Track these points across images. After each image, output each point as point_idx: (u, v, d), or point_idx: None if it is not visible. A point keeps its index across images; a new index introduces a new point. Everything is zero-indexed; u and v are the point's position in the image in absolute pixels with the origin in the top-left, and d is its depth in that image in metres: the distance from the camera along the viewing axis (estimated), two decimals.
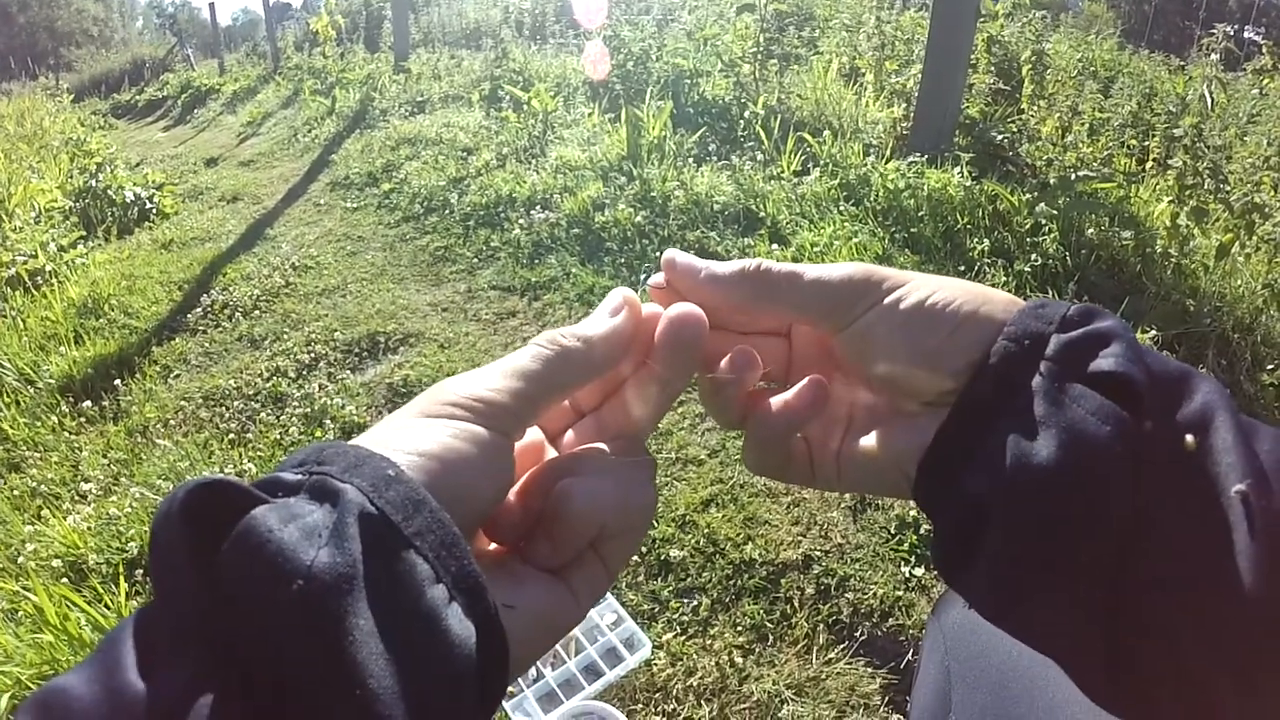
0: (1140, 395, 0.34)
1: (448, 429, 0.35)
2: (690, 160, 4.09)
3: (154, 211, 5.26)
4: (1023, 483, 0.34)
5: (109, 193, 5.29)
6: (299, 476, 0.31)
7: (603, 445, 0.43)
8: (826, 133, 3.98)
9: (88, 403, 2.88)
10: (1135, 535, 0.33)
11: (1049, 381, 0.35)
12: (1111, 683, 0.34)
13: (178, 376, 3.03)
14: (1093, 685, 0.35)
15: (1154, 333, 2.59)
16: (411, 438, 0.34)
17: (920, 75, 3.77)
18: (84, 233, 4.91)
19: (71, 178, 5.78)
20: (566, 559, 0.38)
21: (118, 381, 2.98)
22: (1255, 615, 0.31)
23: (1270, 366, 2.57)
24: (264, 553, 0.27)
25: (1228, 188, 3.13)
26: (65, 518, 2.20)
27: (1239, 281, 2.88)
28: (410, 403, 0.37)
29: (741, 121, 4.41)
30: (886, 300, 0.40)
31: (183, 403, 2.80)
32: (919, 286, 0.40)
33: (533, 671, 1.63)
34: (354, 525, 0.29)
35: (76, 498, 2.40)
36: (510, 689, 1.61)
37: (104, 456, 2.58)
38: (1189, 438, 0.33)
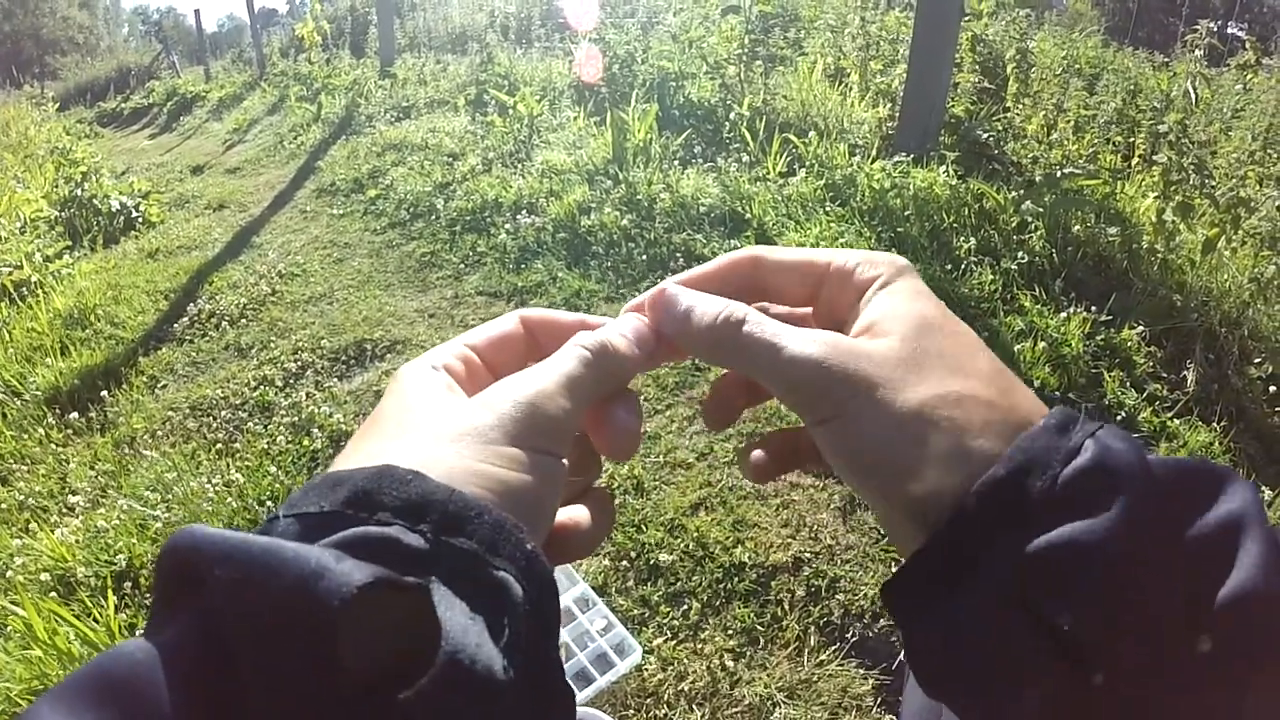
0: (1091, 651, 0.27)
1: (533, 465, 0.32)
2: (676, 163, 4.09)
3: (140, 220, 5.24)
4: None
5: (94, 202, 5.26)
6: (424, 542, 0.27)
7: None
8: (812, 134, 3.98)
9: (75, 414, 2.86)
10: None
11: (984, 603, 0.29)
12: None
13: (164, 387, 3.01)
14: None
15: (1141, 328, 2.60)
16: (501, 476, 0.31)
17: (905, 75, 3.78)
18: (69, 242, 4.89)
19: (57, 187, 5.75)
20: None
21: (104, 392, 2.96)
22: None
23: (1258, 360, 2.58)
24: (471, 690, 0.25)
25: (1213, 183, 3.14)
26: (53, 531, 2.19)
27: (1225, 276, 2.89)
28: (474, 406, 0.34)
29: (727, 123, 4.41)
30: (840, 418, 0.34)
31: (170, 413, 2.79)
32: (884, 399, 0.33)
33: None
34: (524, 636, 0.27)
35: (64, 510, 2.39)
36: None
37: (91, 468, 2.56)
38: (1204, 641, 0.27)
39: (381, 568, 0.24)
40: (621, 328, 0.40)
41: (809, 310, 0.42)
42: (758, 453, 0.42)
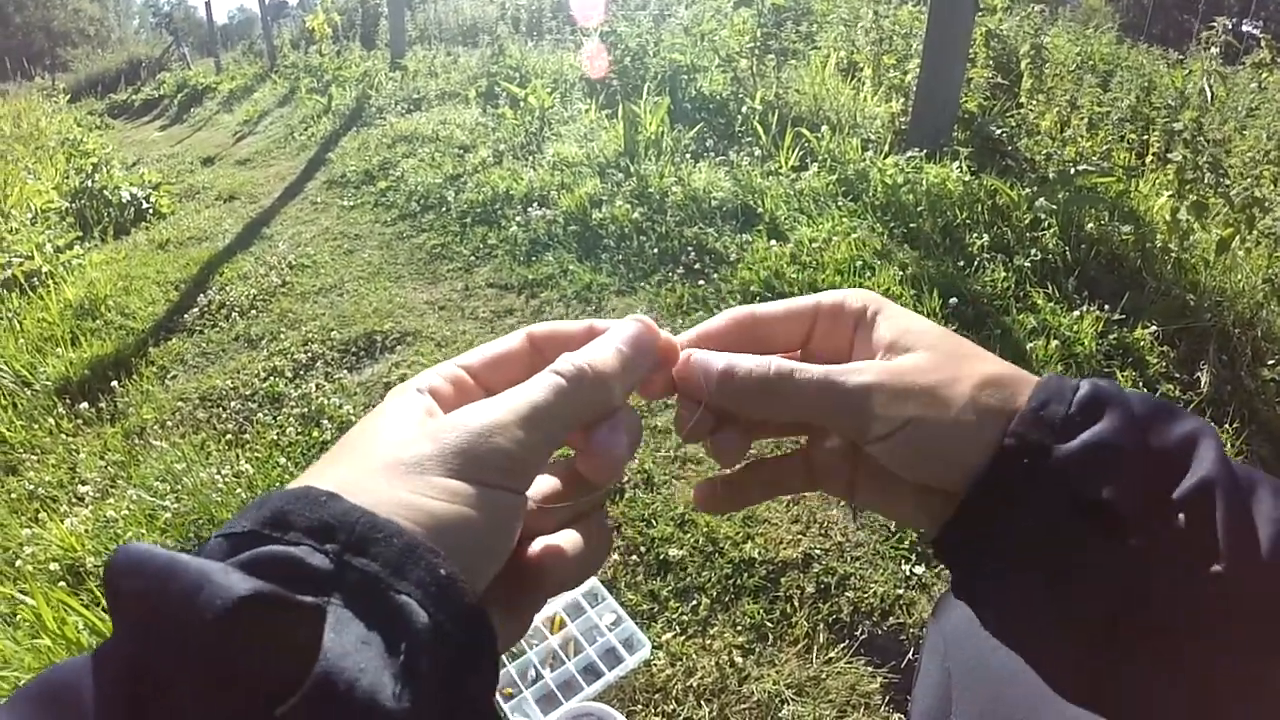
0: (1125, 520, 0.36)
1: (476, 499, 0.32)
2: (688, 156, 4.07)
3: (150, 211, 5.25)
4: (1022, 563, 0.38)
5: (105, 193, 5.27)
6: (328, 562, 0.28)
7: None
8: (824, 128, 3.97)
9: (85, 404, 2.87)
10: (1127, 602, 0.36)
11: (1047, 500, 0.37)
12: (1091, 690, 0.38)
13: (174, 377, 3.02)
14: (1078, 698, 0.39)
15: (1154, 328, 2.59)
16: (449, 508, 0.31)
17: (918, 70, 3.76)
18: (80, 233, 4.90)
19: (68, 178, 5.76)
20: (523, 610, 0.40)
21: (115, 383, 2.97)
22: (1232, 674, 0.36)
23: (1271, 361, 2.56)
24: (346, 713, 0.25)
25: (1228, 182, 3.12)
26: (62, 520, 2.19)
27: (1239, 276, 2.87)
28: (418, 435, 0.34)
29: (739, 117, 4.40)
30: (912, 425, 0.39)
31: (180, 404, 2.79)
32: (941, 400, 0.40)
33: (531, 672, 1.62)
34: (426, 664, 0.27)
35: (74, 500, 2.39)
36: (509, 689, 1.60)
37: (101, 458, 2.56)
38: (1180, 517, 0.36)
39: (266, 583, 0.25)
40: (616, 339, 0.40)
41: (798, 352, 0.47)
42: (706, 486, 0.46)
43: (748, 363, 0.41)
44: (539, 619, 1.72)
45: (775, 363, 0.41)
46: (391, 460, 0.32)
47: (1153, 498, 0.37)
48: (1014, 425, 0.38)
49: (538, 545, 0.39)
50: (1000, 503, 0.38)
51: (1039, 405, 0.38)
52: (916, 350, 0.41)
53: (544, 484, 0.42)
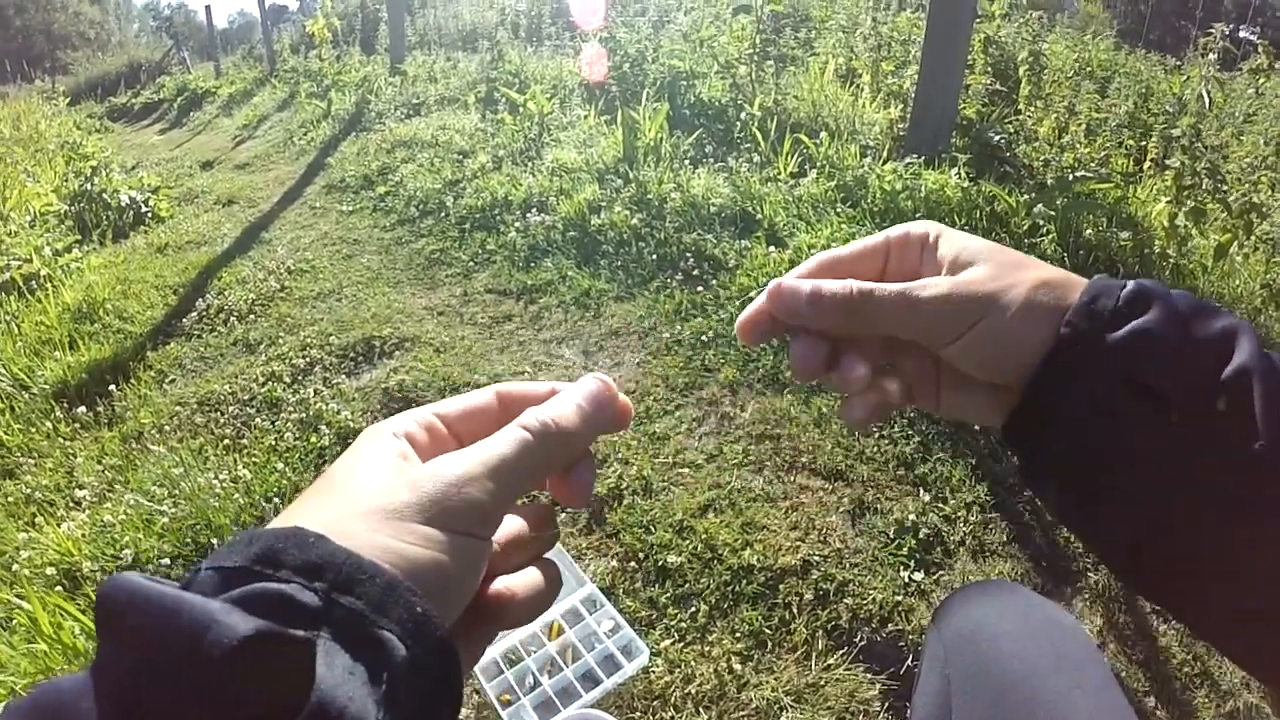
0: (1170, 402, 0.41)
1: (448, 546, 0.35)
2: (687, 162, 4.08)
3: (149, 215, 5.25)
4: (1087, 439, 0.43)
5: (104, 196, 5.27)
6: (316, 599, 0.30)
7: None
8: (823, 134, 3.97)
9: (82, 408, 2.86)
10: (1173, 479, 0.41)
11: (1099, 380, 0.42)
12: (1140, 573, 0.44)
13: (173, 382, 3.01)
14: (1127, 573, 0.45)
15: None
16: (423, 552, 0.34)
17: (917, 76, 3.76)
18: (79, 236, 4.90)
19: (67, 181, 5.76)
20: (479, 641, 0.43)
21: (112, 387, 2.97)
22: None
23: None
24: None
25: (1225, 188, 3.12)
26: (59, 525, 2.19)
27: (1237, 281, 2.88)
28: (397, 482, 0.37)
29: (738, 123, 4.40)
30: (980, 325, 0.45)
31: (178, 408, 2.79)
32: (1002, 303, 0.45)
33: (530, 679, 1.62)
34: (404, 693, 0.30)
35: (71, 505, 2.39)
36: (507, 696, 1.60)
37: (99, 463, 2.56)
38: (1222, 400, 0.40)
39: (267, 622, 0.27)
40: (577, 396, 0.44)
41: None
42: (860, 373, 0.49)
43: (832, 285, 0.48)
44: (537, 626, 1.72)
45: (855, 283, 0.47)
46: (374, 506, 0.35)
47: (1195, 382, 0.41)
48: (1068, 316, 0.44)
49: (499, 584, 0.43)
50: (1059, 384, 0.43)
51: (1090, 299, 0.44)
52: (976, 264, 0.47)
53: (511, 525, 0.47)
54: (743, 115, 4.40)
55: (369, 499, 0.36)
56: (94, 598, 0.29)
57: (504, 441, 0.40)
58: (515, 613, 0.43)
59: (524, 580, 0.44)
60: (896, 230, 0.52)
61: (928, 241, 0.51)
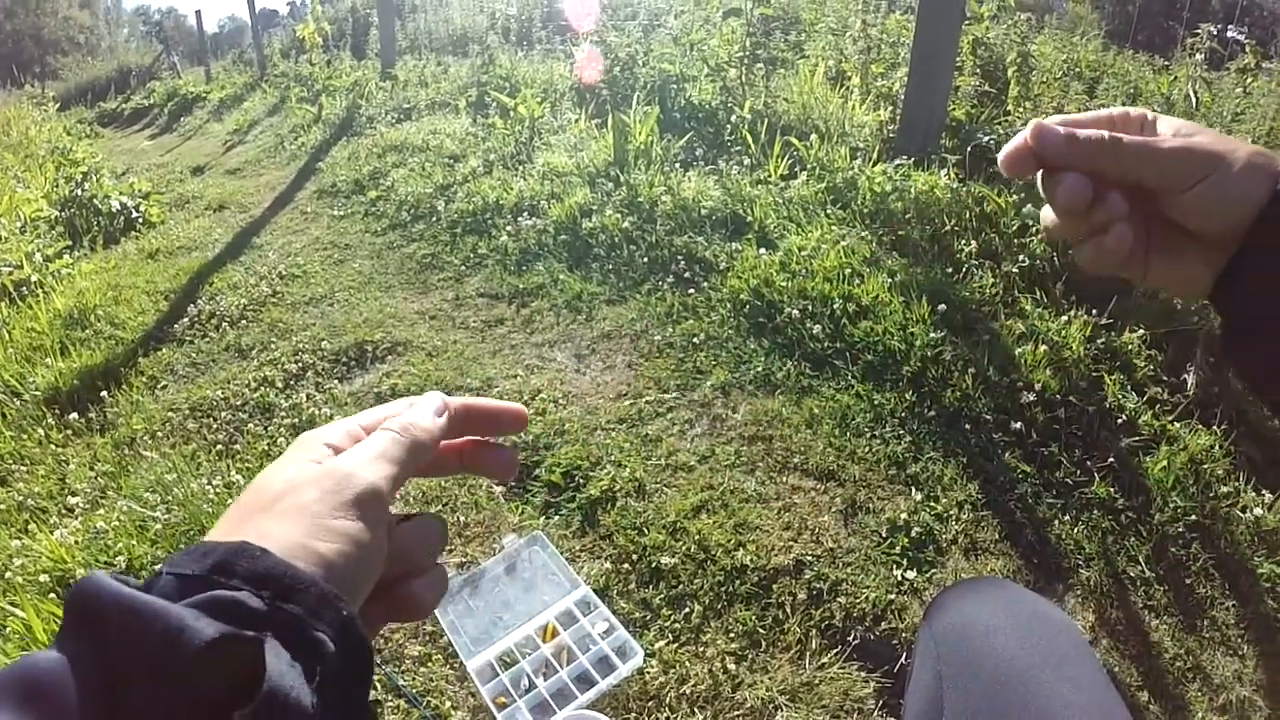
0: None
1: (367, 537, 0.43)
2: (677, 165, 4.08)
3: (140, 221, 5.24)
4: None
5: (95, 202, 5.26)
6: (263, 605, 0.36)
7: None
8: (813, 136, 3.98)
9: (74, 415, 2.86)
10: None
11: None
12: None
13: (165, 387, 3.01)
14: None
15: (1142, 332, 2.60)
16: (333, 548, 0.41)
17: (906, 78, 3.78)
18: (70, 243, 4.89)
19: (57, 187, 5.75)
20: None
21: (104, 393, 2.96)
22: None
23: None
24: (285, 716, 0.33)
25: None
26: (52, 532, 2.19)
27: None
28: (307, 483, 0.44)
29: (728, 126, 4.41)
30: (1210, 178, 0.52)
31: (170, 414, 2.79)
32: (1228, 160, 0.52)
33: (525, 681, 1.63)
34: (333, 680, 0.36)
35: (64, 511, 2.39)
36: (503, 699, 1.60)
37: (91, 469, 2.56)
38: None
39: (227, 625, 0.33)
40: (425, 405, 0.54)
41: None
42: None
43: (1086, 130, 0.54)
44: (533, 628, 1.73)
45: (1106, 131, 0.54)
46: (293, 507, 0.42)
47: None
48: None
49: (412, 586, 0.50)
50: (1275, 233, 0.51)
51: None
52: (1198, 135, 0.54)
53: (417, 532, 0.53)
54: (733, 118, 4.40)
55: (292, 501, 0.43)
56: (69, 593, 0.36)
57: (382, 440, 0.49)
58: (413, 608, 0.50)
59: (432, 579, 0.51)
60: (1117, 109, 0.58)
61: (1146, 119, 0.58)
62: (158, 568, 0.37)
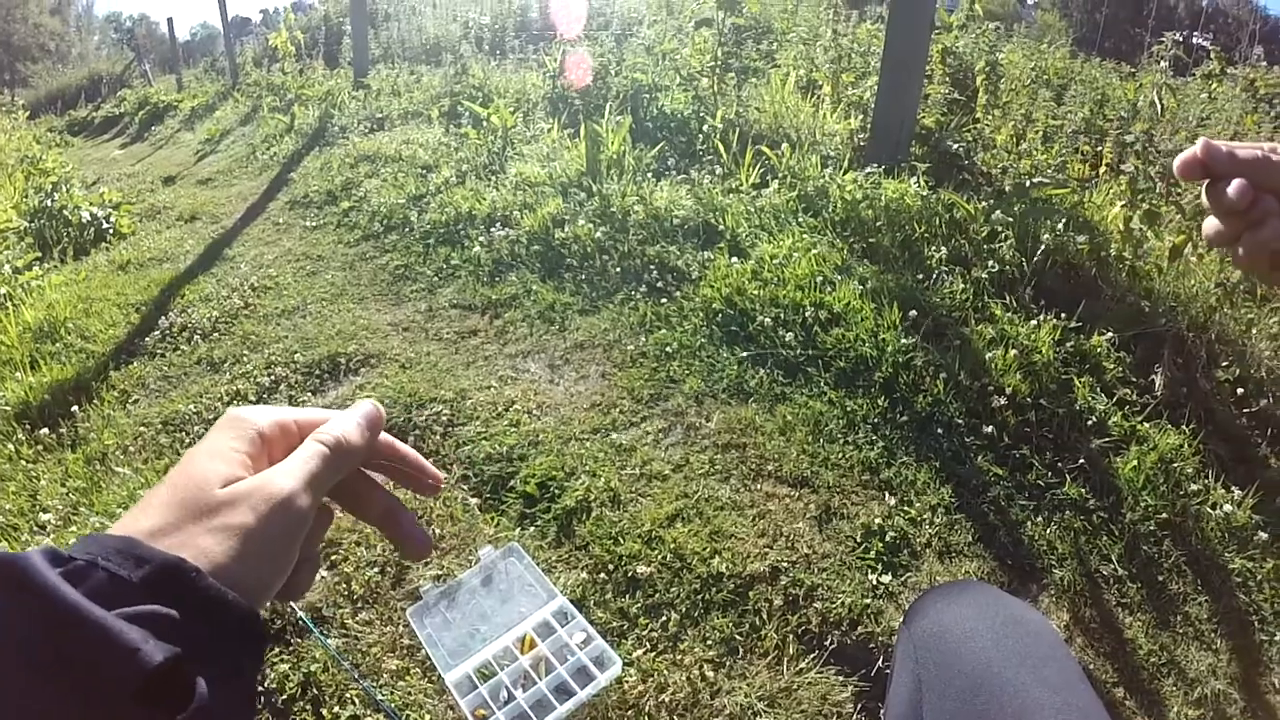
0: None
1: (291, 559, 0.47)
2: (649, 175, 4.10)
3: (111, 232, 5.19)
4: None
5: (65, 213, 5.20)
6: (203, 629, 0.39)
7: None
8: (785, 145, 4.01)
9: (45, 430, 2.83)
10: None
11: None
12: None
13: (136, 402, 2.98)
14: None
15: (1111, 334, 2.64)
16: (263, 573, 0.45)
17: (876, 87, 3.81)
18: (39, 254, 4.84)
19: (27, 197, 5.68)
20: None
21: (75, 408, 2.93)
22: None
23: (1225, 363, 2.62)
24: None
25: (1179, 191, 3.19)
26: (24, 550, 2.16)
27: (1192, 281, 2.94)
28: (233, 499, 0.45)
29: (700, 135, 4.43)
30: None
31: (142, 429, 2.76)
32: None
33: (504, 693, 1.62)
34: (248, 671, 0.42)
35: (35, 528, 2.36)
36: (482, 711, 1.60)
37: (62, 485, 2.53)
38: None
39: (173, 648, 0.36)
40: (356, 416, 0.55)
41: None
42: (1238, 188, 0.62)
43: (1244, 149, 0.63)
44: (510, 640, 1.72)
45: (1269, 145, 0.63)
46: (228, 526, 0.44)
47: None
48: None
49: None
50: None
51: None
52: None
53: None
54: (705, 127, 4.43)
55: (228, 521, 0.44)
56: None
57: (310, 456, 0.50)
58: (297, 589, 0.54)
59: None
60: (1265, 143, 0.65)
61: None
62: (87, 553, 0.38)
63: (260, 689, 1.72)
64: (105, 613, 0.35)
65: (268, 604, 0.50)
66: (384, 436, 0.59)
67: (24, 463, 2.70)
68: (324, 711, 1.67)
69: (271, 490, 0.47)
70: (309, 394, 2.82)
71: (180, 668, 0.36)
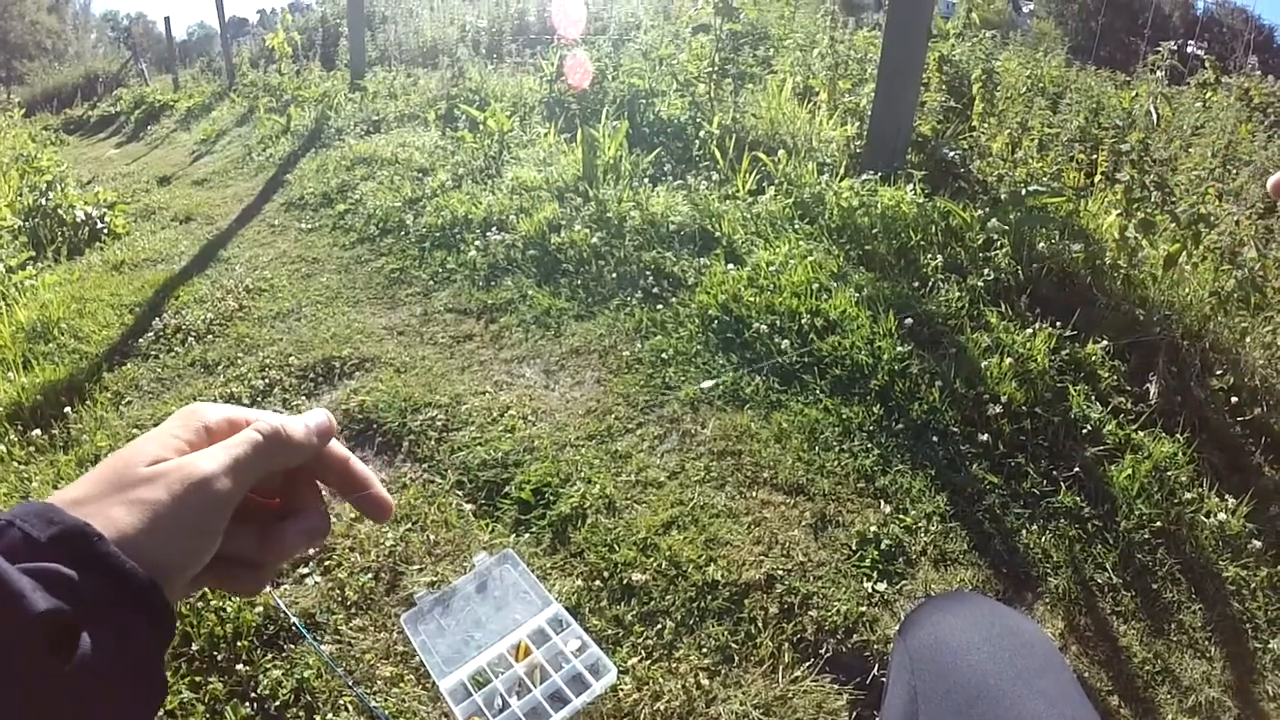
0: None
1: (200, 540, 0.47)
2: (646, 180, 4.10)
3: (105, 231, 5.17)
4: None
5: (59, 212, 5.18)
6: (96, 589, 0.40)
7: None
8: (781, 152, 4.01)
9: (37, 431, 2.82)
10: None
11: None
12: None
13: (129, 403, 2.97)
14: None
15: (1105, 343, 2.64)
16: (168, 548, 0.45)
17: (873, 94, 3.82)
18: (33, 253, 4.82)
19: (21, 196, 5.66)
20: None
21: (68, 409, 2.92)
22: None
23: (1219, 371, 2.63)
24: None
25: (1174, 199, 3.20)
26: None
27: (1187, 290, 2.95)
28: (160, 480, 0.46)
29: (697, 141, 4.44)
30: None
31: (135, 430, 2.75)
32: None
33: (498, 701, 1.62)
34: (150, 646, 0.43)
35: None
36: (476, 718, 1.59)
37: (54, 487, 2.52)
38: None
39: (60, 603, 0.38)
40: (307, 419, 0.57)
41: None
42: None
43: None
44: (505, 647, 1.72)
45: None
46: (141, 500, 0.45)
47: None
48: None
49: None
50: None
51: None
52: None
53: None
54: (701, 133, 4.43)
55: (143, 495, 0.45)
56: None
57: (239, 442, 0.51)
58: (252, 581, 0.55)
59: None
60: None
61: None
62: (11, 514, 0.41)
63: (253, 695, 1.71)
64: (6, 564, 0.37)
65: (185, 586, 0.49)
66: (338, 449, 0.59)
67: (16, 464, 2.69)
68: (317, 718, 1.66)
69: (190, 470, 0.48)
70: (303, 397, 2.82)
71: (76, 626, 0.38)
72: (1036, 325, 2.73)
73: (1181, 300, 2.90)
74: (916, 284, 2.99)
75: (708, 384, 2.54)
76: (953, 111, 4.38)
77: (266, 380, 2.92)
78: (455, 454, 2.39)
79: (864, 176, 3.58)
